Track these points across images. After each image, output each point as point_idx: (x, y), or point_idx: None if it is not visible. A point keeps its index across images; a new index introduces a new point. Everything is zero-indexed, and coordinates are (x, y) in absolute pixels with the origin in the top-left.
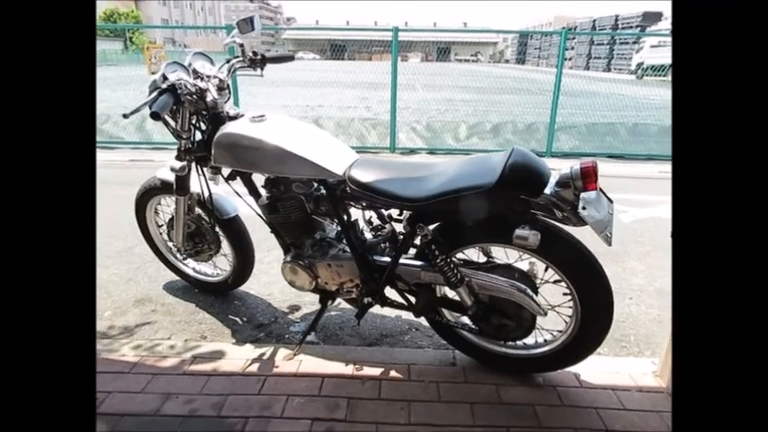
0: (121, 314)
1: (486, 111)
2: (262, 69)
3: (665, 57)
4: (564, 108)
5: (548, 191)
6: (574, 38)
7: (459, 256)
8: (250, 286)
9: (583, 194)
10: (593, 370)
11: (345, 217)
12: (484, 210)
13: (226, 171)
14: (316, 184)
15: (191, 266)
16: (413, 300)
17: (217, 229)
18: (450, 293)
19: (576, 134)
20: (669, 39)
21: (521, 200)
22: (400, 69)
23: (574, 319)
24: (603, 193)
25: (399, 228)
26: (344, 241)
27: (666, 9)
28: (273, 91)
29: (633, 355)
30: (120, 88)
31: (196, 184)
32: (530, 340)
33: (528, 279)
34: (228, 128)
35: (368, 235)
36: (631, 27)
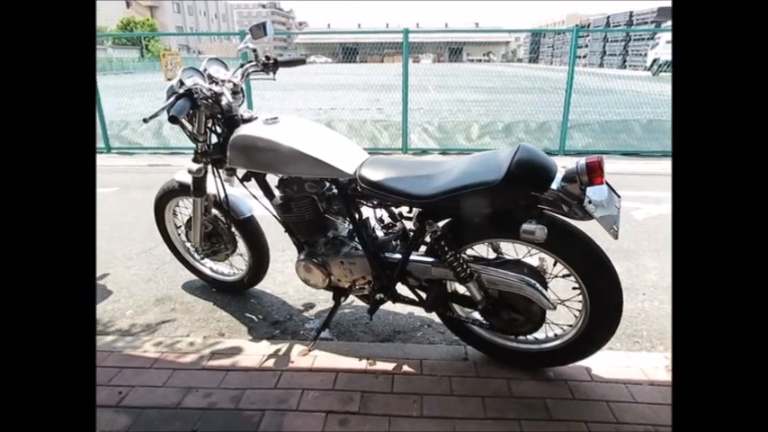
0: (143, 313)
1: (499, 110)
2: (274, 73)
3: None
4: (577, 106)
5: (554, 186)
6: (587, 35)
7: (469, 252)
8: (266, 285)
9: (589, 189)
10: (605, 364)
11: (357, 215)
12: (491, 206)
13: (241, 172)
14: (328, 184)
15: (208, 266)
16: (424, 295)
17: (233, 229)
18: (461, 289)
19: (590, 132)
20: None
21: (528, 195)
22: (412, 71)
23: (583, 313)
24: (610, 188)
25: (409, 225)
26: (356, 239)
27: None
28: (286, 95)
29: (646, 350)
30: (137, 95)
31: (213, 185)
32: (540, 335)
33: (537, 274)
34: (243, 130)
35: (379, 233)
36: (646, 23)
